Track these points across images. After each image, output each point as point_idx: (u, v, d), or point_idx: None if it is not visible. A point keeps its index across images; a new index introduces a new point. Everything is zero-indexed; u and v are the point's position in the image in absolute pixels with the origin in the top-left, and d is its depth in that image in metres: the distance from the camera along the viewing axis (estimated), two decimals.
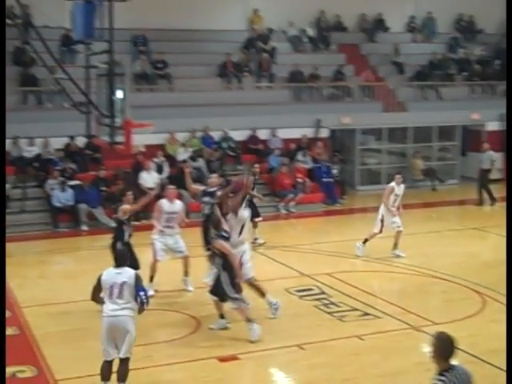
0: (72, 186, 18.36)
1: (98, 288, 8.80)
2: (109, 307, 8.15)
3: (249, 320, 10.27)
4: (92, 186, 18.53)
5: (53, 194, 18.08)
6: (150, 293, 10.25)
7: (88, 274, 13.57)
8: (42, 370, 9.27)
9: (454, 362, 5.50)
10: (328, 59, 25.47)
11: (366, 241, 14.98)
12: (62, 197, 18.04)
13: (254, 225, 16.01)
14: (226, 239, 10.43)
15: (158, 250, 12.13)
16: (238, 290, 10.99)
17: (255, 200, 16.00)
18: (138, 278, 8.26)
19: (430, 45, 27.64)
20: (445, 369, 5.42)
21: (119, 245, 11.19)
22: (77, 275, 13.93)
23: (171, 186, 12.93)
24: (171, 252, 12.33)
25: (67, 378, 8.99)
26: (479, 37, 28.83)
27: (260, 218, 16.13)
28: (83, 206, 18.00)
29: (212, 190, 12.56)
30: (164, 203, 12.32)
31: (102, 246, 15.46)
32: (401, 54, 26.30)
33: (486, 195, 21.02)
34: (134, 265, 10.32)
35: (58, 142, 19.63)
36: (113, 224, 17.01)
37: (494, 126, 24.83)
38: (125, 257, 8.66)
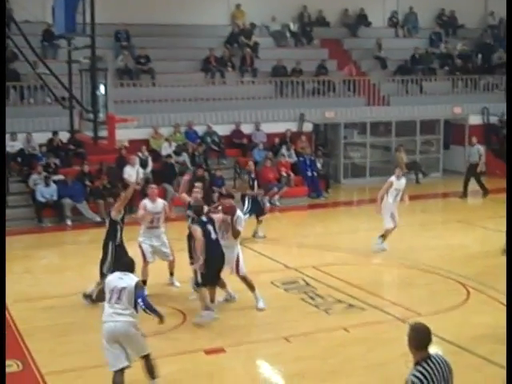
0: (56, 181, 18.29)
1: (103, 289, 8.66)
2: (106, 311, 8.02)
3: (207, 308, 10.55)
4: (76, 181, 18.44)
5: (36, 188, 17.97)
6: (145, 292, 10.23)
7: (73, 269, 13.68)
8: (29, 364, 9.25)
9: (431, 351, 5.51)
10: (311, 54, 25.52)
11: (383, 236, 14.74)
12: (46, 192, 17.94)
13: (259, 222, 16.11)
14: (205, 224, 10.57)
15: (147, 252, 12.07)
16: (222, 285, 11.12)
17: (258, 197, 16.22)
18: (137, 286, 8.08)
19: (412, 40, 27.73)
20: (422, 358, 5.43)
21: (111, 245, 11.13)
22: (61, 270, 13.91)
23: (153, 186, 12.88)
24: (158, 254, 12.29)
25: (53, 372, 8.98)
26: (460, 32, 28.95)
27: (263, 217, 16.29)
28: (67, 201, 17.91)
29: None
30: (147, 204, 12.20)
31: (87, 241, 15.49)
32: (383, 49, 26.35)
33: (476, 188, 20.95)
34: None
35: (41, 137, 19.51)
36: (98, 219, 17.13)
37: (476, 119, 25.00)
38: (131, 264, 8.47)
